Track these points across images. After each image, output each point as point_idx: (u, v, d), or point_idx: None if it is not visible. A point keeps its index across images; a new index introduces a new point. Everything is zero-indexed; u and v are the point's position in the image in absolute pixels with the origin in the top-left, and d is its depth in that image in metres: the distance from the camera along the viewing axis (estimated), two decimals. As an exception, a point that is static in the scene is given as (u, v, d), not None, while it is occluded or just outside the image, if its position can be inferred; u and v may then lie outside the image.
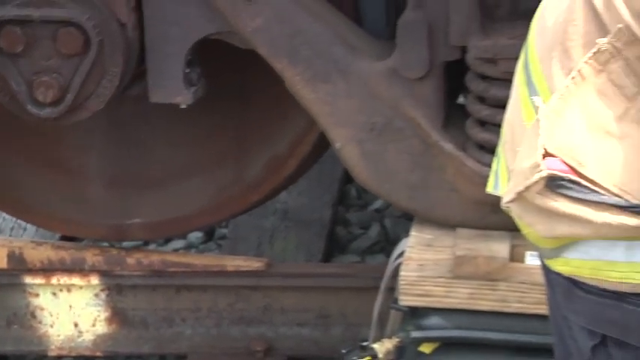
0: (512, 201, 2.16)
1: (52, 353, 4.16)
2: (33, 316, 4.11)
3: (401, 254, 3.46)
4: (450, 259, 3.37)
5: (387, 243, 4.04)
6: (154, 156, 4.14)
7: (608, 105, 2.12)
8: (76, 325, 4.10)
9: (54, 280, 4.09)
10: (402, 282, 3.36)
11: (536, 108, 2.13)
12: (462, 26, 3.31)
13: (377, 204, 4.88)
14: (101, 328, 4.11)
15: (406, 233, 3.66)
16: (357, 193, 4.90)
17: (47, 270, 4.09)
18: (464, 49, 3.36)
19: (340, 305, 3.97)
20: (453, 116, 3.49)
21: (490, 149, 2.88)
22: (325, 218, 4.75)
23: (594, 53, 2.10)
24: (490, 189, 2.30)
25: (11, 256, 4.13)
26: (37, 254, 4.13)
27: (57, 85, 3.50)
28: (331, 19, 3.59)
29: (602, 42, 2.08)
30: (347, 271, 4.23)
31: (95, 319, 4.10)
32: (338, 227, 4.78)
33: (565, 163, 2.07)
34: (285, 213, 4.73)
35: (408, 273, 3.35)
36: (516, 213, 2.20)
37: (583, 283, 2.18)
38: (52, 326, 4.10)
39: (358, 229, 4.82)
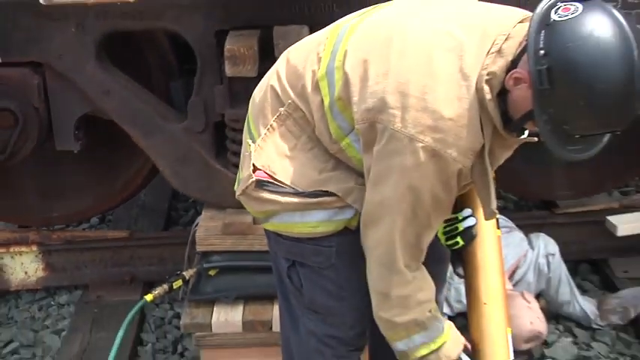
0: (240, 194, 2.29)
1: (12, 289, 3.96)
2: (1, 269, 3.91)
3: (197, 224, 3.40)
4: (222, 225, 3.30)
5: (199, 218, 3.97)
6: (64, 178, 3.95)
7: (286, 142, 2.22)
8: (26, 273, 3.93)
9: (11, 249, 3.90)
10: (198, 238, 3.30)
11: (250, 145, 2.25)
12: (221, 103, 3.25)
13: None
14: (40, 273, 3.93)
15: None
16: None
17: (7, 244, 3.90)
18: (223, 115, 3.28)
19: (171, 253, 3.84)
20: (222, 150, 3.41)
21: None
22: (164, 207, 4.63)
23: (278, 116, 2.21)
24: (235, 188, 2.32)
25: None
26: (1, 235, 3.96)
27: (1, 144, 3.37)
28: (154, 102, 3.48)
29: (282, 109, 2.20)
30: (174, 235, 4.11)
31: (36, 269, 3.92)
32: (172, 211, 4.72)
33: (266, 173, 2.20)
34: (143, 205, 4.63)
35: (200, 233, 3.31)
36: (243, 200, 2.31)
37: (281, 235, 2.30)
38: (12, 274, 3.92)
39: (183, 211, 4.71)
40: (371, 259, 2.12)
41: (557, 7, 1.84)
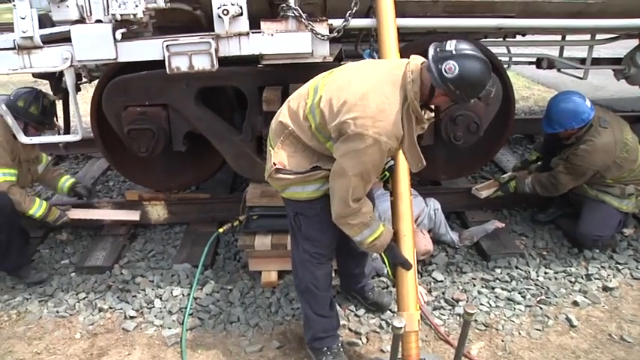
0: (267, 177, 2.25)
1: (152, 223, 3.70)
2: (147, 213, 3.66)
3: (247, 190, 3.22)
4: (260, 191, 3.15)
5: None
6: (177, 165, 3.72)
7: (290, 148, 2.17)
8: (158, 215, 3.66)
9: (151, 202, 3.65)
10: (247, 198, 3.13)
11: (271, 151, 2.19)
12: (260, 125, 3.09)
13: (247, 177, 4.49)
14: (165, 215, 3.67)
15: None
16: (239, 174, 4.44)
17: (149, 199, 3.66)
18: (262, 132, 3.15)
19: (233, 206, 3.40)
20: (260, 151, 3.22)
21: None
22: (230, 181, 4.31)
23: (284, 135, 2.16)
24: (265, 174, 2.25)
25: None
26: (147, 195, 3.72)
27: (146, 146, 3.24)
28: (225, 125, 3.30)
29: (286, 131, 2.15)
30: (235, 196, 3.67)
31: (164, 213, 3.68)
32: (234, 184, 4.33)
33: (281, 164, 2.15)
34: (219, 180, 4.27)
35: (248, 196, 3.15)
36: (269, 181, 2.27)
37: (291, 199, 2.24)
38: (152, 215, 3.67)
39: (239, 184, 4.33)
40: (335, 195, 2.05)
41: (442, 64, 1.90)
